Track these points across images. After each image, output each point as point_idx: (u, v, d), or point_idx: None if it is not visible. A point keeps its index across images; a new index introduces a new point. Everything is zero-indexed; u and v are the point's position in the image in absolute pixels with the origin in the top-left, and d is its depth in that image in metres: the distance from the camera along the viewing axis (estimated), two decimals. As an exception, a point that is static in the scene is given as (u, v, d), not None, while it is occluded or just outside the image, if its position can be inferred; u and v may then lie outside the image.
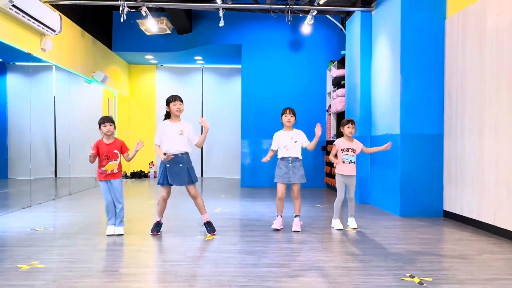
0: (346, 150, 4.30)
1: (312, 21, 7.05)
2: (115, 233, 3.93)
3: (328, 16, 7.71)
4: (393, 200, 5.29)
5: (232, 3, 6.55)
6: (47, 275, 2.71)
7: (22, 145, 5.96)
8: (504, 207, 3.91)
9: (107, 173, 3.88)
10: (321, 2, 6.30)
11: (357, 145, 4.36)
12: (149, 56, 9.74)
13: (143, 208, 5.59)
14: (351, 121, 4.34)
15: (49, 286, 2.51)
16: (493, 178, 4.09)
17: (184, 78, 10.89)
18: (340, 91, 7.42)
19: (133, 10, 6.56)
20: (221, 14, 6.70)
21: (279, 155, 4.22)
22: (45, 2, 5.87)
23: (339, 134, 7.97)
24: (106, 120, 3.93)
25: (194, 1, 7.08)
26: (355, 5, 6.50)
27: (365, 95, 6.28)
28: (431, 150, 5.08)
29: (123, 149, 4.01)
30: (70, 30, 6.99)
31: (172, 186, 4.02)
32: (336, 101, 7.60)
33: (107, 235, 3.88)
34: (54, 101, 7.02)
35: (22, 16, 5.16)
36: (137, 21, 7.96)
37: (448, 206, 4.97)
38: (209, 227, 4.02)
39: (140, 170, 10.33)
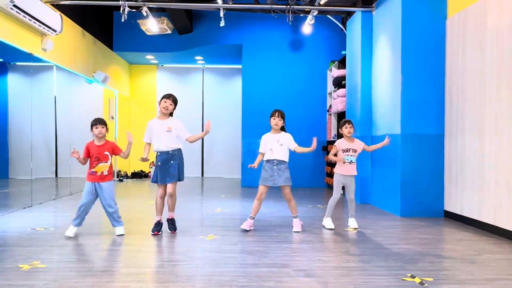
0: (347, 150, 4.30)
1: (313, 21, 7.05)
2: (117, 234, 3.92)
3: (328, 16, 7.70)
4: (393, 200, 5.29)
5: (233, 3, 6.55)
6: (48, 275, 2.71)
7: (23, 145, 5.96)
8: (505, 207, 3.91)
9: (97, 174, 3.86)
10: (321, 2, 6.30)
11: (359, 145, 4.35)
12: (149, 56, 9.74)
13: (143, 208, 5.59)
14: (348, 121, 4.34)
15: (50, 286, 2.52)
16: (494, 178, 4.08)
17: (184, 78, 10.89)
18: (341, 91, 7.42)
19: (134, 10, 6.56)
20: (221, 14, 6.70)
21: (265, 158, 4.22)
22: (46, 2, 5.88)
23: (340, 135, 7.98)
24: (99, 122, 3.91)
25: (195, 1, 7.08)
26: (355, 5, 6.50)
27: (366, 95, 6.28)
28: (432, 150, 5.08)
29: (115, 150, 3.98)
30: (71, 30, 6.99)
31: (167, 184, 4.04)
32: (337, 101, 7.60)
33: (66, 236, 3.77)
34: (55, 101, 7.03)
35: (23, 16, 5.17)
36: (137, 21, 7.97)
37: (449, 206, 4.97)
38: (172, 224, 4.07)
39: (141, 170, 10.34)
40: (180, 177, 4.02)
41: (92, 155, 3.86)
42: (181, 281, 2.62)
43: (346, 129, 4.30)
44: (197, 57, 9.89)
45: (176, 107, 4.10)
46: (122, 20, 6.29)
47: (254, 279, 2.67)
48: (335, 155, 4.39)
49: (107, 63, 8.88)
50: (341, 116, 7.91)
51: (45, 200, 6.01)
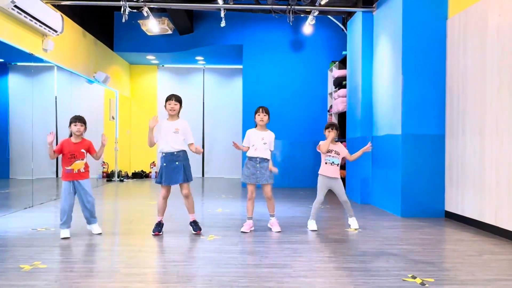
0: (330, 151, 4.30)
1: (314, 22, 7.05)
2: (94, 233, 3.90)
3: (329, 16, 7.71)
4: (394, 200, 5.29)
5: (234, 4, 6.55)
6: (49, 275, 2.71)
7: (24, 145, 5.97)
8: (506, 208, 3.91)
9: (74, 172, 3.84)
10: (322, 3, 6.30)
11: (342, 149, 4.35)
12: (150, 57, 9.74)
13: (144, 208, 5.60)
14: (332, 126, 4.32)
15: (51, 286, 2.52)
16: (495, 178, 4.08)
17: (185, 78, 10.89)
18: (342, 91, 7.42)
19: (135, 10, 6.56)
20: (222, 14, 6.70)
21: (248, 154, 4.23)
22: (46, 2, 5.88)
23: (340, 135, 7.97)
24: (78, 120, 3.90)
25: (196, 1, 7.08)
26: (356, 6, 6.50)
27: (367, 95, 6.28)
28: (432, 151, 5.08)
29: (90, 150, 3.98)
30: (72, 31, 7.00)
31: (171, 185, 4.03)
32: (338, 101, 7.60)
33: (62, 238, 3.76)
34: (56, 101, 7.04)
35: (24, 16, 5.17)
36: (138, 21, 7.97)
37: (449, 207, 4.97)
38: (195, 225, 4.04)
39: (142, 171, 10.34)
40: (188, 178, 4.02)
41: (67, 152, 3.84)
42: (182, 282, 2.62)
43: (328, 133, 4.30)
44: (198, 57, 9.90)
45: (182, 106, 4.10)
46: (123, 20, 6.29)
47: (255, 280, 2.67)
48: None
49: (108, 63, 8.89)
50: (342, 116, 7.91)
51: (46, 201, 6.01)
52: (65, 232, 3.80)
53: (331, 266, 3.00)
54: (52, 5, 6.11)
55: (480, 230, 4.28)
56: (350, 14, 6.98)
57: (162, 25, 7.88)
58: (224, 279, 2.68)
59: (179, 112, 4.09)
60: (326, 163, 4.29)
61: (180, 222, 4.57)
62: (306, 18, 7.33)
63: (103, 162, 9.25)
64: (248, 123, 8.51)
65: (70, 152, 3.84)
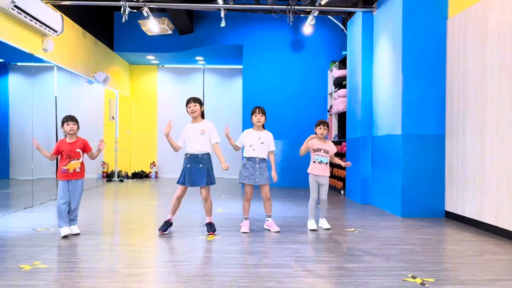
0: (318, 150, 4.30)
1: (314, 22, 7.04)
2: (72, 233, 3.87)
3: (329, 16, 7.71)
4: (394, 200, 5.29)
5: (234, 4, 6.55)
6: (49, 275, 2.71)
7: (24, 146, 5.97)
8: (506, 208, 3.91)
9: (69, 172, 3.85)
10: (322, 3, 6.31)
11: (331, 147, 4.35)
12: (150, 57, 9.74)
13: (144, 209, 5.60)
14: (324, 123, 4.33)
15: (51, 286, 2.52)
16: (495, 178, 4.08)
17: (185, 78, 10.89)
18: (342, 91, 7.42)
19: (135, 10, 6.56)
20: (222, 14, 6.70)
21: (246, 154, 4.23)
22: (46, 2, 5.88)
23: (341, 135, 7.98)
24: (70, 119, 3.90)
25: (196, 2, 7.09)
26: (356, 6, 6.50)
27: (367, 95, 6.28)
28: (433, 151, 5.08)
29: (86, 148, 3.98)
30: (72, 31, 7.00)
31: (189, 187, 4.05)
32: (338, 101, 7.60)
33: (63, 236, 3.76)
34: (56, 101, 7.03)
35: (24, 16, 5.17)
36: (138, 21, 7.97)
37: (450, 207, 4.96)
38: (210, 227, 4.04)
39: (142, 171, 10.34)
40: (212, 181, 4.05)
41: (63, 153, 3.85)
42: (182, 282, 2.61)
43: (319, 130, 4.30)
44: (198, 58, 9.90)
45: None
46: (123, 20, 6.30)
47: (255, 280, 2.66)
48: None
49: (108, 63, 8.89)
50: (342, 116, 7.91)
51: (46, 201, 6.01)
52: (65, 230, 3.80)
53: (331, 266, 3.00)
54: (52, 5, 6.11)
55: (480, 230, 4.28)
56: (350, 14, 6.98)
57: (162, 25, 7.88)
58: (225, 279, 2.68)
59: (202, 113, 4.12)
60: (314, 161, 4.31)
61: (181, 222, 4.57)
62: (306, 18, 7.33)
63: (103, 162, 9.25)
64: (248, 123, 8.49)
65: (65, 152, 3.85)
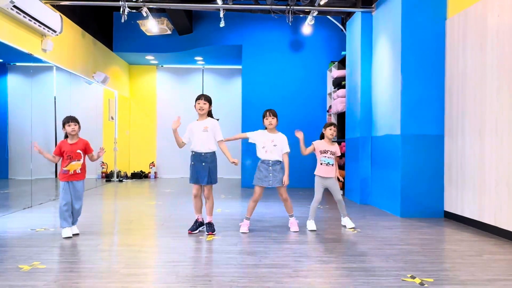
0: (325, 152, 4.31)
1: (313, 22, 7.05)
2: (73, 233, 3.87)
3: (328, 16, 7.71)
4: (393, 200, 5.29)
5: (233, 4, 6.55)
6: (48, 276, 2.71)
7: (23, 146, 5.96)
8: (505, 208, 3.91)
9: (70, 173, 3.85)
10: (321, 3, 6.31)
11: (337, 150, 4.38)
12: (149, 57, 9.74)
13: (143, 209, 5.59)
14: (334, 124, 4.38)
15: (50, 286, 2.51)
16: (494, 178, 4.09)
17: (184, 78, 10.89)
18: (341, 91, 7.42)
19: (134, 10, 6.56)
20: (221, 14, 6.70)
21: (260, 156, 4.22)
22: (45, 2, 5.88)
23: (340, 135, 7.98)
24: (71, 119, 3.90)
25: (195, 2, 7.08)
26: (355, 6, 6.50)
27: (366, 95, 6.28)
28: (432, 151, 5.08)
29: (87, 149, 3.98)
30: (71, 31, 6.99)
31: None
32: (337, 101, 7.60)
33: (65, 237, 3.76)
34: (55, 101, 7.03)
35: (23, 16, 5.17)
36: (137, 21, 7.97)
37: (449, 207, 4.97)
38: (209, 227, 4.04)
39: (141, 171, 10.34)
40: (212, 180, 4.04)
41: (64, 154, 3.85)
42: (182, 282, 2.61)
43: (329, 131, 4.34)
44: (197, 58, 9.90)
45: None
46: (122, 20, 6.29)
47: (255, 280, 2.66)
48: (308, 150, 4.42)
49: (107, 63, 8.88)
50: (341, 116, 7.92)
51: (45, 201, 6.00)
52: (66, 231, 3.80)
53: (331, 266, 3.00)
54: (51, 5, 6.10)
55: (480, 230, 4.28)
56: (349, 14, 6.98)
57: (161, 25, 7.88)
58: (224, 279, 2.68)
59: (210, 112, 4.14)
60: (321, 163, 4.32)
61: (180, 222, 4.57)
62: (305, 18, 7.34)
63: (102, 162, 9.24)
64: (248, 123, 8.52)
65: (66, 153, 3.85)
